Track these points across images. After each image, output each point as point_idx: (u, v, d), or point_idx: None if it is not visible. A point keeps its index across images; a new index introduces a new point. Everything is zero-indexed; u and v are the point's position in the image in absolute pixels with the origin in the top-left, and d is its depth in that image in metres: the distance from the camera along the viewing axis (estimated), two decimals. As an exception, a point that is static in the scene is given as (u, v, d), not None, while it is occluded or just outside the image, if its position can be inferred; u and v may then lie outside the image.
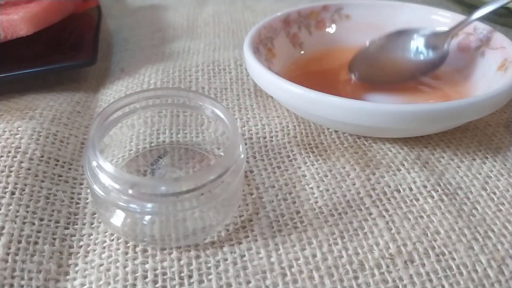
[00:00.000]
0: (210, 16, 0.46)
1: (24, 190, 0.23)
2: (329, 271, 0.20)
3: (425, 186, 0.25)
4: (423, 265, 0.21)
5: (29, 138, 0.26)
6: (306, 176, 0.26)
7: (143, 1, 0.51)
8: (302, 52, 0.35)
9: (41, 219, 0.22)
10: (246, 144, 0.28)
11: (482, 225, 0.23)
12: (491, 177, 0.26)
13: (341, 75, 0.33)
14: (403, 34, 0.33)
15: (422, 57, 0.32)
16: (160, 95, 0.25)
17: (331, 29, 0.36)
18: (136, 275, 0.20)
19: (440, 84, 0.32)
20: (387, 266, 0.21)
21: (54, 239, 0.22)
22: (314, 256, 0.21)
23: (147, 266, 0.21)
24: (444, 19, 0.34)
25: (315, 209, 0.23)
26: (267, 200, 0.24)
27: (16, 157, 0.25)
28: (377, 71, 0.32)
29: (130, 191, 0.20)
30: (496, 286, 0.20)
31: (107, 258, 0.21)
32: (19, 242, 0.21)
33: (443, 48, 0.32)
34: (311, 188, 0.25)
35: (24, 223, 0.22)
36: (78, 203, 0.24)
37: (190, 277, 0.20)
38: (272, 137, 0.29)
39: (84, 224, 0.23)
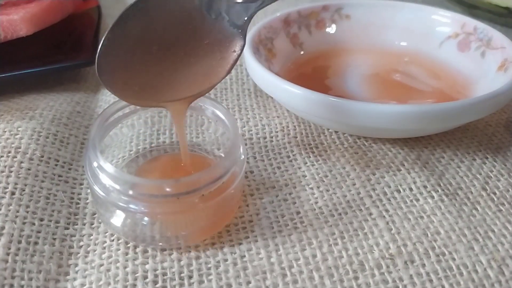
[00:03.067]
0: (210, 16, 0.46)
1: (24, 190, 0.23)
2: (329, 271, 0.20)
3: (425, 186, 0.25)
4: (423, 265, 0.21)
5: (29, 138, 0.26)
6: (306, 176, 0.26)
7: (143, 1, 0.51)
8: (302, 52, 0.35)
9: (41, 219, 0.22)
10: (246, 144, 0.28)
11: (482, 225, 0.23)
12: (491, 177, 0.26)
13: (341, 76, 0.33)
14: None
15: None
16: (160, 96, 0.25)
17: (331, 29, 0.36)
18: (136, 275, 0.20)
19: (440, 84, 0.32)
20: (387, 267, 0.21)
21: (54, 239, 0.22)
22: (314, 256, 0.21)
23: (147, 266, 0.21)
24: (444, 19, 0.34)
25: (315, 210, 0.23)
26: (267, 200, 0.24)
27: (16, 157, 0.25)
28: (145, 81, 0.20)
29: (131, 192, 0.20)
30: (496, 286, 0.20)
31: (107, 258, 0.21)
32: (19, 242, 0.21)
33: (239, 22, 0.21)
34: (311, 188, 0.25)
35: (24, 223, 0.22)
36: (78, 204, 0.24)
37: (190, 277, 0.20)
38: (272, 137, 0.29)
39: (84, 225, 0.23)
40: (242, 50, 0.21)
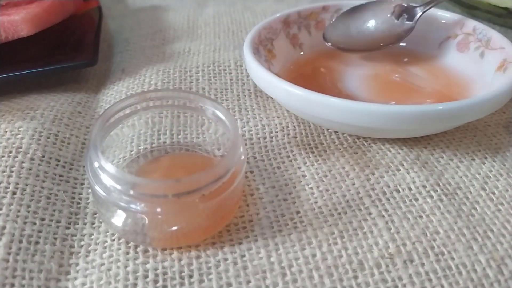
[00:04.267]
0: (210, 17, 0.46)
1: (25, 190, 0.23)
2: (329, 270, 0.21)
3: (424, 186, 0.25)
4: (422, 264, 0.21)
5: (30, 138, 0.27)
6: (306, 176, 0.26)
7: (143, 2, 0.51)
8: (302, 53, 0.35)
9: (42, 219, 0.22)
10: (246, 144, 0.28)
11: (481, 225, 0.23)
12: (490, 177, 0.26)
13: (340, 76, 0.33)
14: (374, 4, 0.35)
15: (389, 27, 0.33)
16: (160, 96, 0.25)
17: (331, 29, 0.36)
18: (137, 274, 0.20)
19: (439, 85, 0.32)
20: (387, 266, 0.21)
21: (55, 238, 0.22)
22: (313, 255, 0.21)
23: (148, 266, 0.21)
24: (443, 19, 0.34)
25: (314, 209, 0.24)
26: (267, 200, 0.24)
27: (17, 157, 0.25)
28: (348, 40, 0.34)
29: (131, 192, 0.20)
30: (495, 285, 0.20)
31: (108, 258, 0.21)
32: (20, 242, 0.21)
33: (411, 20, 0.33)
34: (311, 188, 0.25)
35: (25, 223, 0.22)
36: (79, 203, 0.24)
37: (190, 276, 0.20)
38: (272, 137, 0.29)
39: (85, 224, 0.23)
40: (409, 32, 0.33)
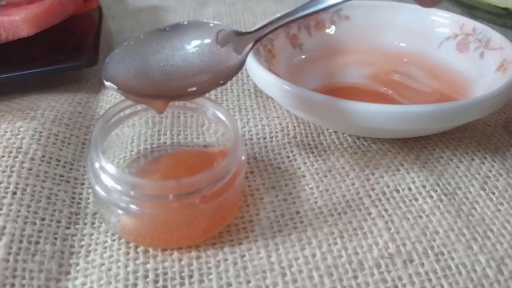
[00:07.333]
0: (211, 17, 0.46)
1: (25, 190, 0.23)
2: (329, 270, 0.21)
3: (424, 186, 0.25)
4: (422, 264, 0.21)
5: (31, 139, 0.27)
6: (306, 176, 0.26)
7: (144, 2, 0.51)
8: (302, 52, 0.35)
9: (43, 219, 0.22)
10: (246, 145, 0.28)
11: (481, 225, 0.23)
12: (490, 177, 0.26)
13: (340, 76, 0.34)
14: (186, 29, 0.25)
15: (207, 61, 0.23)
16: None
17: (331, 30, 0.36)
18: (137, 275, 0.20)
19: (439, 85, 0.32)
20: (386, 266, 0.21)
21: (56, 238, 0.22)
22: (313, 255, 0.21)
23: (148, 266, 0.21)
24: (443, 20, 0.34)
25: (314, 209, 0.24)
26: (267, 200, 0.24)
27: (18, 157, 0.25)
28: (135, 78, 0.23)
29: (132, 192, 0.20)
30: (495, 285, 0.20)
31: (108, 258, 0.21)
32: (21, 242, 0.21)
33: (240, 53, 0.24)
34: (311, 188, 0.25)
35: (25, 223, 0.22)
36: (79, 203, 0.24)
37: (190, 277, 0.20)
38: (272, 137, 0.29)
39: (85, 224, 0.23)
40: (237, 70, 0.23)
